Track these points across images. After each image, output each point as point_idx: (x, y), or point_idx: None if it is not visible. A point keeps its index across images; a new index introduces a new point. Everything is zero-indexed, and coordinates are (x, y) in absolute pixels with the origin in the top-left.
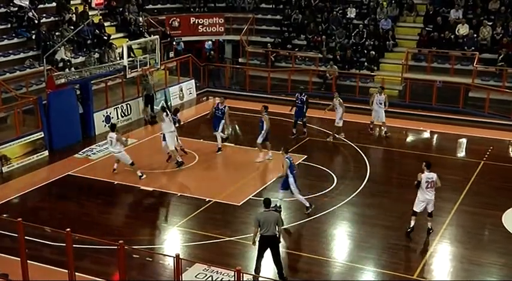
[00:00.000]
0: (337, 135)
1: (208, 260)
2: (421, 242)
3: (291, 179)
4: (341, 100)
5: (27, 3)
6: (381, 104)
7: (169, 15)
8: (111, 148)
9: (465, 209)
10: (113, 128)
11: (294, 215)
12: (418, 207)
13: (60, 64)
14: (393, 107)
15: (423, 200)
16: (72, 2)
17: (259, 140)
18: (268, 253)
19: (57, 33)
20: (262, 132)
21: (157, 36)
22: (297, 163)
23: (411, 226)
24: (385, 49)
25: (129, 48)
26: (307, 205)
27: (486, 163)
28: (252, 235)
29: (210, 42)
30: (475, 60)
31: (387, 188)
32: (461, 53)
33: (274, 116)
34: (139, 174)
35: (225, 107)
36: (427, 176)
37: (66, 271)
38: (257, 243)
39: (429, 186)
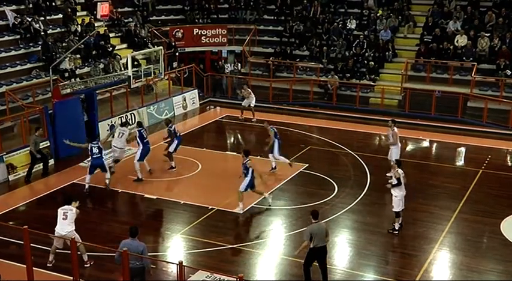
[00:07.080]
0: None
1: (211, 267)
2: (421, 250)
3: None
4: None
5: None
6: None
7: (173, 27)
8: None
9: (464, 217)
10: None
11: (295, 222)
12: (400, 206)
13: (66, 74)
14: (393, 116)
15: (401, 197)
16: (78, 14)
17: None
18: None
19: (63, 44)
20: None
21: (161, 47)
22: (298, 171)
23: (397, 227)
24: (385, 60)
25: (134, 59)
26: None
27: (485, 172)
28: (302, 247)
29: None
30: (474, 71)
31: (387, 196)
32: (460, 64)
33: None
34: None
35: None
36: (400, 172)
37: (71, 277)
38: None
39: (403, 181)
